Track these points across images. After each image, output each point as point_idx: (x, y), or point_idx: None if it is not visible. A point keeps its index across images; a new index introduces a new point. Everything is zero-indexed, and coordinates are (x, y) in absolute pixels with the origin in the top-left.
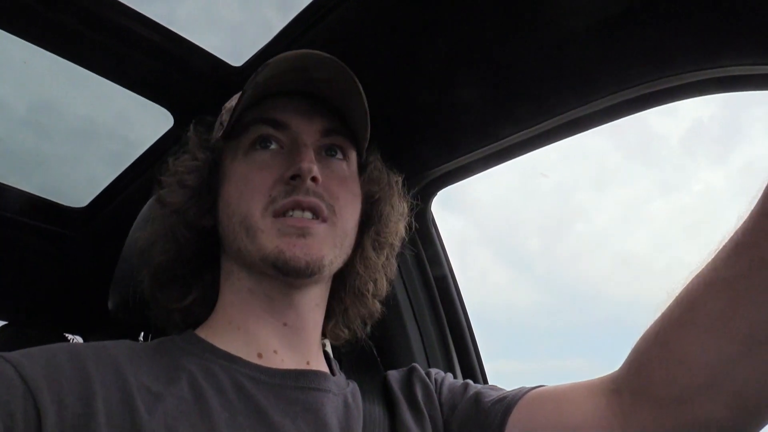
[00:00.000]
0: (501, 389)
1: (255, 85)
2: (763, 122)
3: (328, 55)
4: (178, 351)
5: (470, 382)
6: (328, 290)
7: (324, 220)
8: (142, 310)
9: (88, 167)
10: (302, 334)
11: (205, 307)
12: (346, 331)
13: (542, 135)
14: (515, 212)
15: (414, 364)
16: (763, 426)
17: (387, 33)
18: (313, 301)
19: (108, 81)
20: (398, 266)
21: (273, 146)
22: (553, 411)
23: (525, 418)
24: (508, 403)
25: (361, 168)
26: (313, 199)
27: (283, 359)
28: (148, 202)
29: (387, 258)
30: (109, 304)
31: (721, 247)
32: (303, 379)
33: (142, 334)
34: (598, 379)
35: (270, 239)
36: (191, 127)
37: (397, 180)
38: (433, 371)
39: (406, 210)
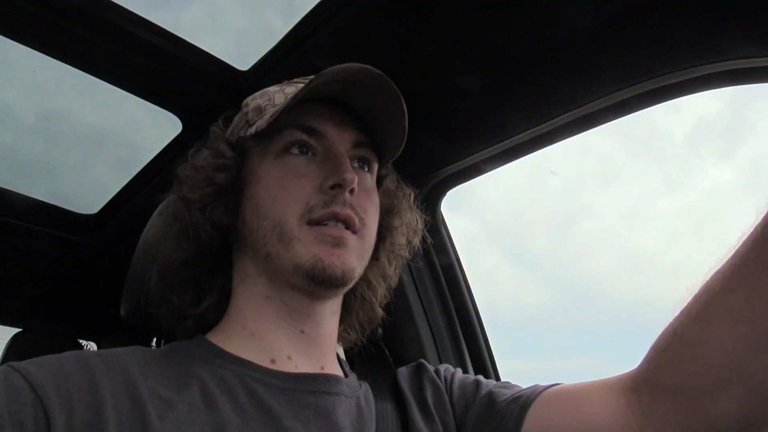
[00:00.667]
0: (514, 386)
1: (308, 91)
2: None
3: (379, 72)
4: (188, 357)
5: (482, 378)
6: (342, 299)
7: (355, 232)
8: (156, 317)
9: (98, 174)
10: (319, 341)
11: (218, 311)
12: (352, 334)
13: (550, 132)
14: (522, 211)
15: (421, 360)
16: None
17: (392, 35)
18: (330, 310)
19: (115, 88)
20: (408, 265)
21: (308, 153)
22: (571, 410)
23: (542, 417)
24: (523, 402)
25: (379, 180)
26: (349, 212)
27: (297, 365)
28: (159, 207)
29: (395, 269)
30: (122, 310)
31: (740, 242)
32: (315, 383)
33: (155, 339)
34: (617, 377)
35: (306, 247)
36: (216, 123)
37: (410, 193)
38: (442, 368)
39: (419, 225)
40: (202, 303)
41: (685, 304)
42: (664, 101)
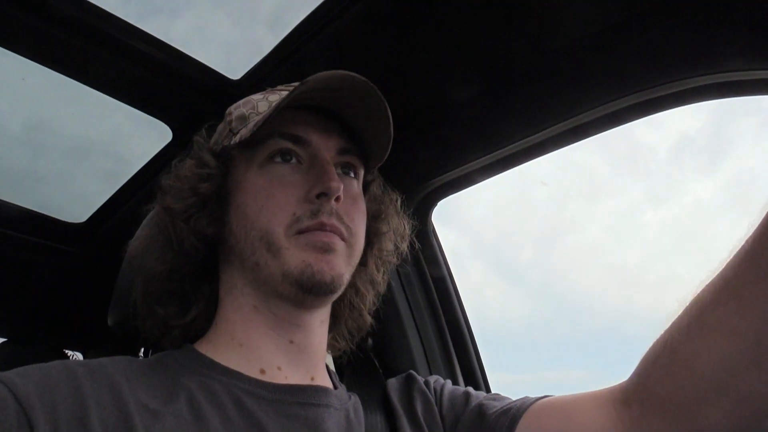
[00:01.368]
0: (504, 398)
1: (292, 98)
2: (750, 133)
3: (363, 79)
4: (176, 367)
5: (471, 390)
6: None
7: (343, 240)
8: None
9: (87, 183)
10: (308, 350)
11: (206, 321)
12: (341, 342)
13: (543, 143)
14: (507, 225)
15: (411, 371)
16: None
17: (384, 44)
18: (319, 319)
19: (105, 96)
20: (399, 275)
21: (292, 161)
22: (561, 422)
23: (532, 429)
24: (513, 414)
25: (365, 186)
26: (335, 222)
27: (287, 375)
28: (148, 216)
29: (383, 275)
30: (109, 320)
31: (731, 256)
32: (304, 394)
33: (143, 349)
34: (607, 389)
35: (295, 254)
36: (199, 132)
37: (397, 198)
38: (432, 379)
39: (406, 230)
40: (189, 313)
41: (676, 316)
42: (657, 112)
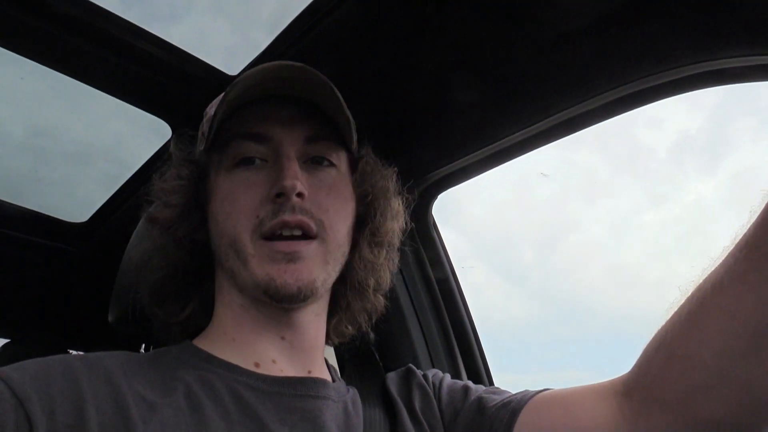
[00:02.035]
0: (504, 392)
1: (228, 103)
2: (750, 132)
3: (298, 64)
4: (174, 361)
5: (470, 384)
6: (329, 297)
7: (313, 237)
8: (142, 322)
9: (88, 183)
10: (302, 346)
11: (205, 316)
12: (350, 327)
13: (541, 134)
14: (507, 226)
15: (410, 365)
16: None
17: (382, 39)
18: (313, 314)
19: (106, 99)
20: (400, 269)
21: (257, 161)
22: (561, 415)
23: (532, 422)
24: (513, 407)
25: (353, 166)
26: (300, 217)
27: (282, 368)
28: (143, 217)
29: (387, 253)
30: (110, 317)
31: (732, 243)
32: (301, 386)
33: (143, 346)
34: (608, 381)
35: (260, 265)
36: (171, 141)
37: (392, 174)
38: (431, 373)
39: (401, 206)
40: (185, 309)
41: (678, 306)
42: (655, 101)
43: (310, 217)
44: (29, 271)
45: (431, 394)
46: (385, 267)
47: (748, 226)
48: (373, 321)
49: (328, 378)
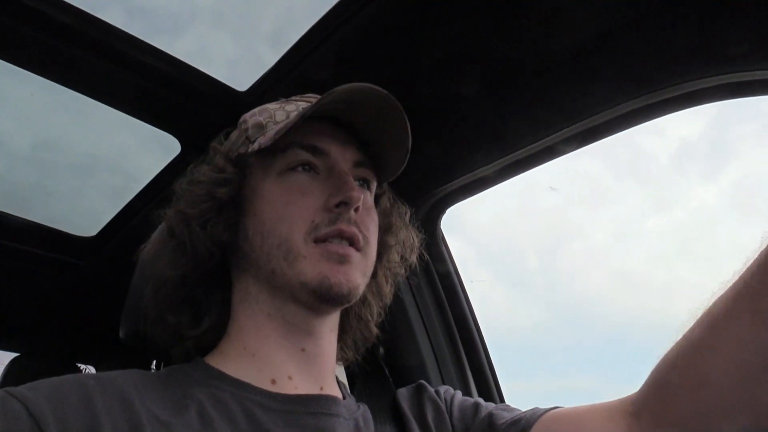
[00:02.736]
0: (514, 409)
1: (317, 108)
2: (752, 138)
3: (386, 92)
4: (187, 379)
5: (481, 401)
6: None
7: (359, 250)
8: (152, 337)
9: (97, 198)
10: (319, 359)
11: (217, 333)
12: (349, 353)
13: (553, 147)
14: (511, 234)
15: (421, 381)
16: None
17: (392, 50)
18: (329, 327)
19: (113, 113)
20: (409, 285)
21: (312, 171)
22: None
23: None
24: (523, 425)
25: (376, 200)
26: (354, 229)
27: (297, 385)
28: (159, 227)
29: (390, 287)
30: (121, 333)
31: (744, 267)
32: (314, 404)
33: (154, 362)
34: (617, 401)
35: (312, 265)
36: (213, 140)
37: (406, 211)
38: (442, 389)
39: (415, 243)
40: (202, 323)
41: (688, 328)
42: (669, 113)
43: (359, 231)
44: (39, 285)
45: (443, 408)
46: (389, 298)
47: (759, 250)
48: (364, 349)
49: (339, 395)
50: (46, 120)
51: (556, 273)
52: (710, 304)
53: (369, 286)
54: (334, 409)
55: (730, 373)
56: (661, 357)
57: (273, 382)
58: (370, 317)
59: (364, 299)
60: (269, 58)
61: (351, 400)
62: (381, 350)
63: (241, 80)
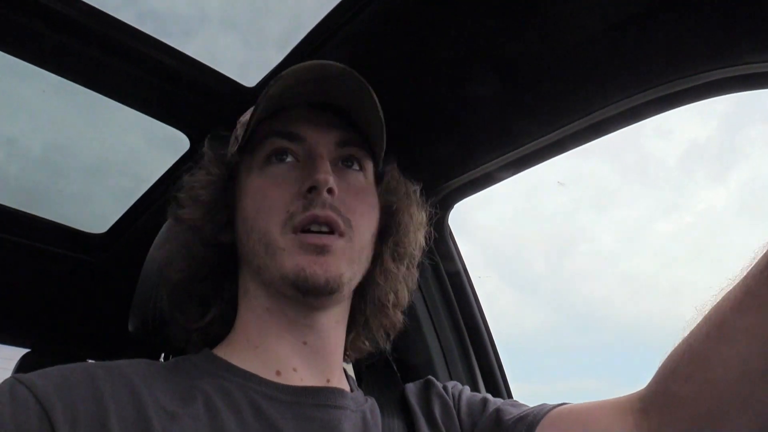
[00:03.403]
0: (522, 405)
1: (268, 99)
2: (760, 138)
3: (343, 66)
4: (194, 370)
5: (489, 396)
6: (349, 306)
7: (341, 235)
8: (162, 331)
9: (107, 194)
10: (322, 352)
11: (225, 325)
12: (367, 343)
13: (562, 140)
14: (519, 236)
15: (430, 377)
16: None
17: (402, 45)
18: (334, 320)
19: (123, 112)
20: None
21: (289, 159)
22: (578, 430)
23: None
24: (530, 421)
25: (378, 178)
26: (329, 213)
27: (303, 377)
28: (166, 223)
29: (408, 268)
30: (130, 326)
31: (752, 263)
32: (320, 396)
33: (163, 355)
34: (625, 397)
35: (290, 257)
36: (206, 142)
37: (415, 189)
38: (450, 384)
39: (424, 219)
40: (207, 315)
41: (695, 324)
42: (677, 107)
43: (338, 215)
44: (49, 281)
45: (451, 403)
46: (405, 282)
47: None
48: (392, 338)
49: (347, 388)
50: (58, 121)
51: (563, 276)
52: (717, 300)
53: (377, 269)
54: (340, 401)
55: (736, 368)
56: (668, 353)
57: (278, 373)
58: (386, 302)
59: (376, 284)
60: (277, 54)
61: (359, 393)
62: (388, 346)
63: (250, 76)
